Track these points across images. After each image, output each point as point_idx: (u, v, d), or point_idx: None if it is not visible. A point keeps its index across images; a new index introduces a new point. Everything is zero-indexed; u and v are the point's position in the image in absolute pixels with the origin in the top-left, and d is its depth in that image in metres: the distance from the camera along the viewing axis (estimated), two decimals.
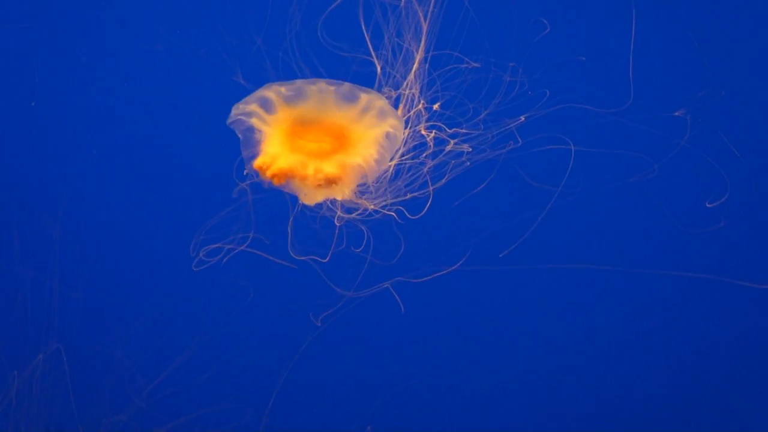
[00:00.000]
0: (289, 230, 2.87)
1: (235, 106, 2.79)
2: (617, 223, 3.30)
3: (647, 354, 3.38)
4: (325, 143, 2.82)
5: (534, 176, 3.04)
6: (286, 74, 2.97)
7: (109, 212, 3.33)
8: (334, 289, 3.01)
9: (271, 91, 2.82)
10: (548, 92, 2.93)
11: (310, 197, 2.79)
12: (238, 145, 2.82)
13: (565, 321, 3.37)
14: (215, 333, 3.28)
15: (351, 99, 2.82)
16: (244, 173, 2.79)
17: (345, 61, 2.93)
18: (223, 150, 2.93)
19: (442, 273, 3.05)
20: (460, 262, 3.05)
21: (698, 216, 3.18)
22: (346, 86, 2.81)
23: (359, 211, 2.88)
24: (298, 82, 2.81)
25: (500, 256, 3.05)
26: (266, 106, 2.81)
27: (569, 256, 3.24)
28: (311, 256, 2.90)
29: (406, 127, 2.85)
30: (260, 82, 2.87)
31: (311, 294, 3.10)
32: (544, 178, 3.03)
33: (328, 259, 2.88)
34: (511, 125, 2.91)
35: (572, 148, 2.93)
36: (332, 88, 2.80)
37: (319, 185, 2.73)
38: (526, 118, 2.93)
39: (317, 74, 2.93)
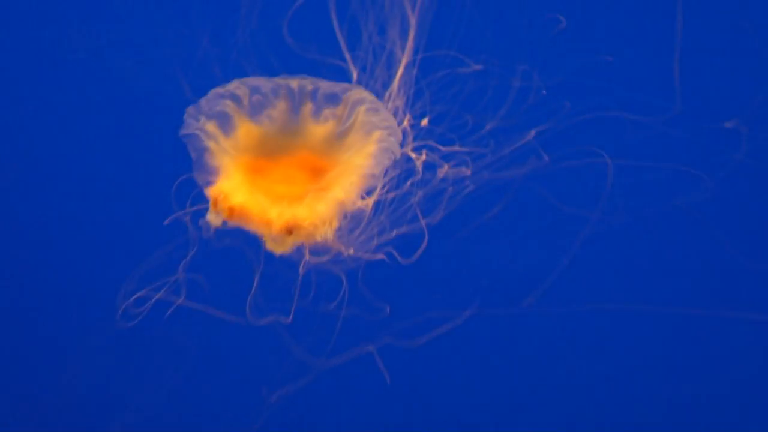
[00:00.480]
0: (255, 281, 2.57)
1: (189, 112, 2.54)
2: (665, 255, 3.12)
3: (709, 414, 3.20)
4: (297, 184, 2.58)
5: (563, 200, 2.87)
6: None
7: (15, 247, 3.17)
8: (301, 355, 2.71)
9: (229, 101, 2.56)
10: (568, 103, 2.74)
11: (277, 244, 2.51)
12: (180, 165, 2.57)
13: (608, 383, 3.17)
14: (143, 409, 3.01)
15: (332, 101, 2.61)
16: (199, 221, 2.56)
17: (312, 66, 2.69)
18: (163, 171, 2.69)
19: (443, 330, 2.77)
20: (467, 315, 2.80)
21: (765, 247, 3.04)
22: (325, 85, 2.60)
23: (335, 255, 2.61)
24: (262, 81, 2.60)
25: (525, 304, 2.85)
26: (225, 125, 2.56)
27: (609, 296, 3.07)
28: (273, 316, 2.57)
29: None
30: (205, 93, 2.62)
31: (269, 361, 2.82)
32: (575, 201, 2.84)
33: (290, 318, 2.53)
34: (524, 140, 2.70)
35: (608, 161, 2.71)
36: (308, 87, 2.59)
37: (287, 232, 2.46)
38: (541, 131, 2.70)
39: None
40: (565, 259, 2.82)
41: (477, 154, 2.69)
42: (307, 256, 2.57)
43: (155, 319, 2.62)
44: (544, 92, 2.72)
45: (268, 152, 2.61)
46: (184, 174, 2.52)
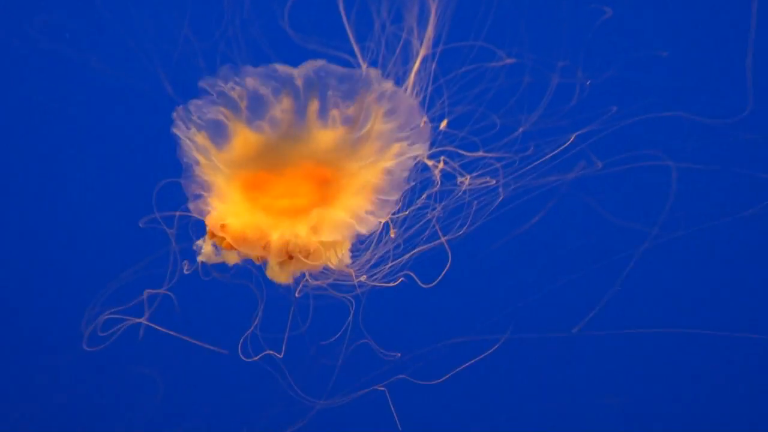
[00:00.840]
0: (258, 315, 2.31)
1: (178, 113, 2.25)
2: (733, 273, 2.96)
3: None
4: (301, 197, 2.30)
5: (614, 212, 2.68)
6: None
7: None
8: (298, 395, 2.41)
9: (223, 108, 2.27)
10: (615, 107, 2.47)
11: (279, 272, 2.24)
12: (159, 166, 2.30)
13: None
14: None
15: (344, 99, 2.31)
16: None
17: (314, 59, 2.37)
18: (140, 173, 2.50)
19: (466, 366, 2.47)
20: (495, 348, 2.50)
21: None
22: (334, 79, 2.29)
23: (343, 281, 2.34)
24: (260, 76, 2.29)
25: (573, 331, 2.61)
26: (218, 136, 2.27)
27: (670, 321, 2.94)
28: (266, 350, 2.28)
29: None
30: (189, 92, 2.31)
31: (259, 401, 2.53)
32: (628, 213, 2.64)
33: (282, 352, 2.24)
34: (564, 145, 2.41)
35: (671, 165, 2.46)
36: (315, 83, 2.29)
37: (289, 256, 2.20)
38: (584, 134, 2.42)
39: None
40: (618, 280, 2.60)
41: (508, 161, 2.41)
42: (309, 282, 2.34)
43: (128, 348, 2.36)
44: (588, 83, 2.47)
45: (269, 164, 2.35)
46: (164, 178, 2.27)
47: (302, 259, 2.23)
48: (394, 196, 2.27)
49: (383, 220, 2.31)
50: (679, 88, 2.73)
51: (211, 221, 2.20)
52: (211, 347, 2.30)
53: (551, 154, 2.46)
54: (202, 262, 2.26)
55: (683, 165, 2.53)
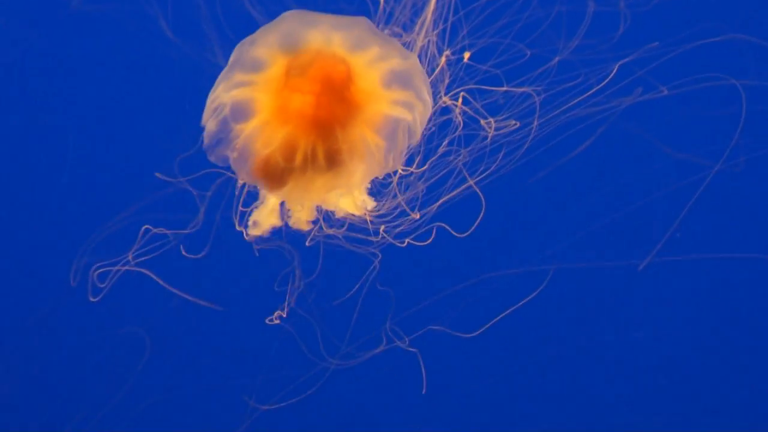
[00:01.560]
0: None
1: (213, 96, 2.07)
2: None
3: None
4: (324, 97, 2.09)
5: (672, 143, 2.44)
6: (230, 19, 2.18)
7: None
8: (315, 353, 2.19)
9: (259, 47, 2.09)
10: (657, 42, 2.25)
11: (302, 206, 2.05)
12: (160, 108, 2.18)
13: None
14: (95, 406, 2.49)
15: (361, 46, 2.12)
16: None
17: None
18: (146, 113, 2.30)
19: (509, 312, 2.24)
20: (538, 291, 2.27)
21: None
22: (362, 26, 2.08)
23: (367, 233, 2.13)
24: (285, 25, 2.10)
25: (639, 269, 2.39)
26: (255, 65, 2.12)
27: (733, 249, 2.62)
28: (277, 314, 2.05)
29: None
30: (191, 30, 2.12)
31: (263, 362, 2.29)
32: (688, 145, 2.40)
33: (286, 310, 2.01)
34: (610, 76, 2.16)
35: (739, 83, 2.23)
36: (338, 34, 2.08)
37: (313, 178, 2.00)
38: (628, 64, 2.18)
39: (271, 13, 2.10)
40: (679, 216, 2.35)
41: (547, 94, 2.16)
42: (329, 231, 2.14)
43: (113, 292, 2.13)
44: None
45: (295, 70, 2.14)
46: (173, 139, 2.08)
47: (324, 179, 2.04)
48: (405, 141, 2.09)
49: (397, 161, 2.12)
50: (738, 11, 2.44)
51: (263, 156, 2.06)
52: (204, 303, 2.09)
53: (604, 83, 2.21)
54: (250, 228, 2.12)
55: (749, 83, 2.27)
